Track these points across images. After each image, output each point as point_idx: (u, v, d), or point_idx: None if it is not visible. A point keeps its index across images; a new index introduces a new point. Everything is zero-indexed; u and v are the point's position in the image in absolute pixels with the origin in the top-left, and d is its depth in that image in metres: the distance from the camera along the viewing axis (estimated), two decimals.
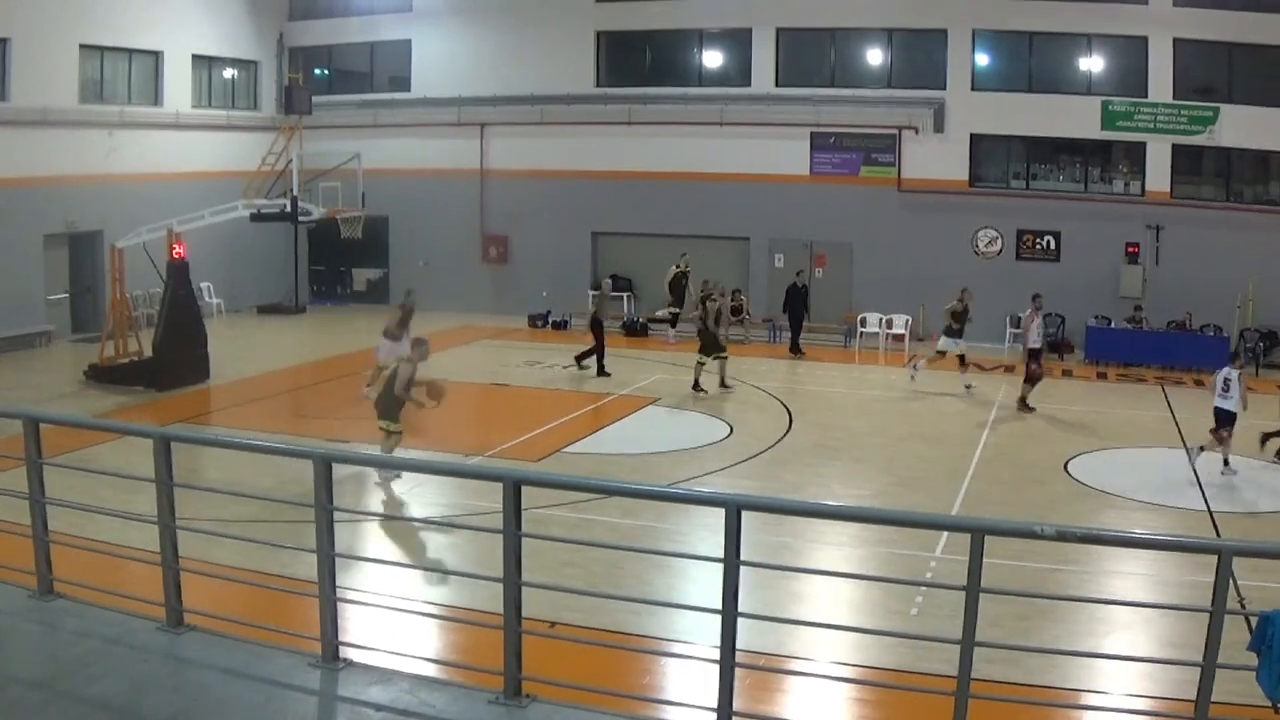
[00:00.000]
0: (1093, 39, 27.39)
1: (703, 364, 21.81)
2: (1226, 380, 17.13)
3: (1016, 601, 10.42)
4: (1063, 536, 5.56)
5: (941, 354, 23.01)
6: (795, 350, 26.82)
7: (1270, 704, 5.94)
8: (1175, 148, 26.95)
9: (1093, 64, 27.61)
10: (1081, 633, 10.55)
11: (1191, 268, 26.25)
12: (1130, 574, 12.33)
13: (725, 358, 22.22)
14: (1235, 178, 27.45)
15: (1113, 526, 14.43)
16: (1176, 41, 26.49)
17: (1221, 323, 26.14)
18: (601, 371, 23.33)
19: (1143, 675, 9.46)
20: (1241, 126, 26.26)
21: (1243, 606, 9.45)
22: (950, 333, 22.84)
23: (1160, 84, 26.75)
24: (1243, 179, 27.46)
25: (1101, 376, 25.00)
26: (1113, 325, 26.68)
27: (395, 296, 26.59)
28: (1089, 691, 9.31)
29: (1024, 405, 20.87)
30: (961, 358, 22.88)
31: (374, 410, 15.50)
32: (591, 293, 27.09)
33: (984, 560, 5.34)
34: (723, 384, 22.05)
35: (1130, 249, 27.13)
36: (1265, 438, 17.51)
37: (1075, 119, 27.16)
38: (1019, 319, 23.55)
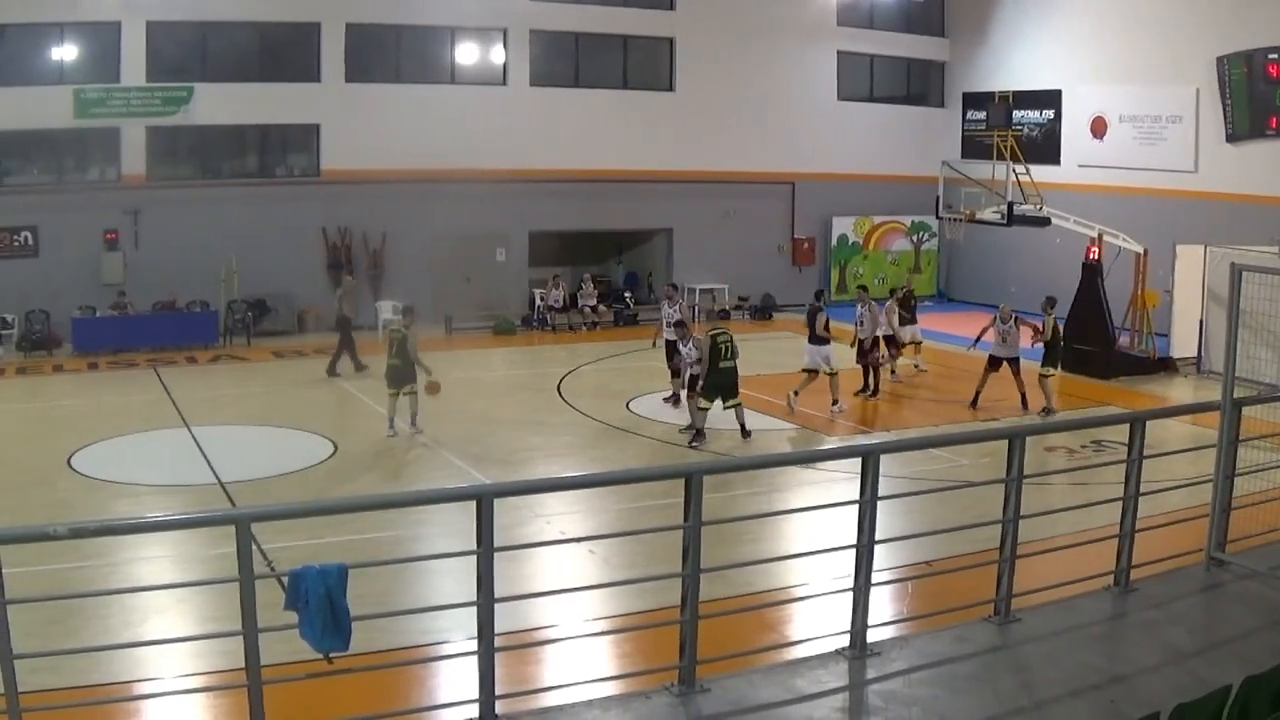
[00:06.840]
0: (65, 28, 26.32)
1: None
2: None
3: (46, 607, 9.69)
4: (77, 534, 5.60)
5: None
6: None
7: (322, 656, 6.26)
8: (150, 130, 27.07)
9: (65, 53, 26.51)
10: (118, 625, 10.37)
11: (173, 247, 26.57)
12: (157, 558, 12.31)
13: None
14: (212, 154, 28.48)
15: (129, 514, 14.43)
16: (150, 25, 26.62)
17: (209, 298, 27.16)
18: None
19: (191, 653, 9.51)
20: (215, 103, 27.20)
21: (272, 569, 10.20)
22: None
23: (134, 68, 26.69)
24: (219, 154, 28.57)
25: (93, 367, 24.48)
26: (98, 314, 26.14)
27: None
28: (141, 681, 9.25)
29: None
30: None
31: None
32: None
33: (3, 570, 5.37)
34: None
35: (109, 235, 26.80)
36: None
37: (48, 110, 25.85)
38: None
